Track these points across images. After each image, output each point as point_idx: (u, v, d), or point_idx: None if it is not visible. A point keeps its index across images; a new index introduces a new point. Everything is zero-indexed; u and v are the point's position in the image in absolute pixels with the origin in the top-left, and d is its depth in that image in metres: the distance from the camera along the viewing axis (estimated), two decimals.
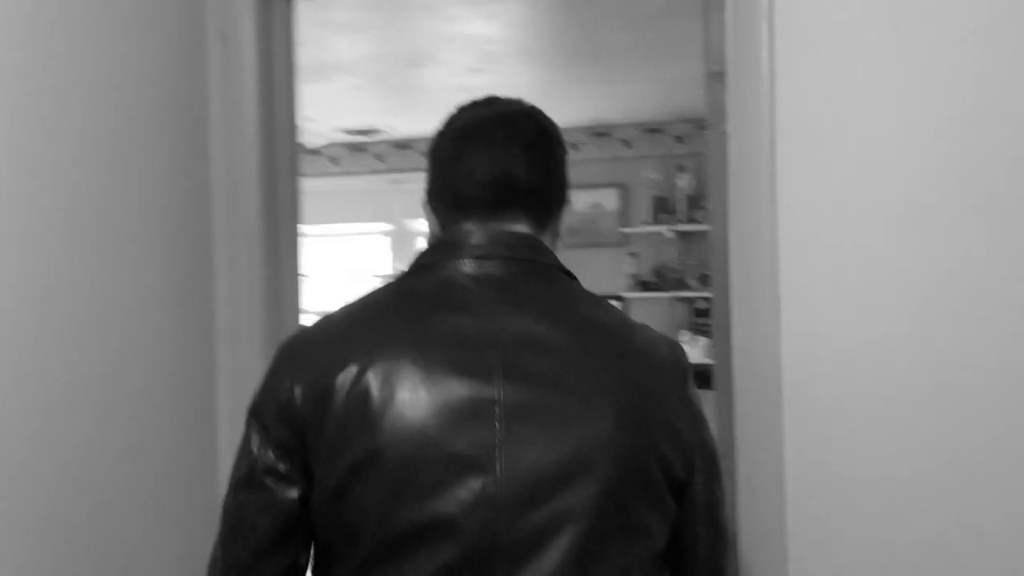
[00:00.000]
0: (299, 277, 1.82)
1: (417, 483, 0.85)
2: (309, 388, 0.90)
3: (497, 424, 0.86)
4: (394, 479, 0.86)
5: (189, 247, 1.56)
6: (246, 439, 0.94)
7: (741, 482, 1.45)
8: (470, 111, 1.07)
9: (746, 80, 1.43)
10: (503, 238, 0.98)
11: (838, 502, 1.35)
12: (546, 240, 1.03)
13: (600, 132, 5.22)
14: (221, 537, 0.95)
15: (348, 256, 5.95)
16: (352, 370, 0.89)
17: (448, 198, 1.02)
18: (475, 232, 0.98)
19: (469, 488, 0.85)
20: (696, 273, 4.97)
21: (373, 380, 0.88)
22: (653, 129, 5.19)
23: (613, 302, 4.76)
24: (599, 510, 0.86)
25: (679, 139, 5.15)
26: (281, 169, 1.75)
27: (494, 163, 1.00)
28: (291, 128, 1.80)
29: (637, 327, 1.00)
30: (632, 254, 5.11)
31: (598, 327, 0.96)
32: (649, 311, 5.09)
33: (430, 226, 1.07)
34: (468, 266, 0.96)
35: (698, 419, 0.97)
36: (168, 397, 1.48)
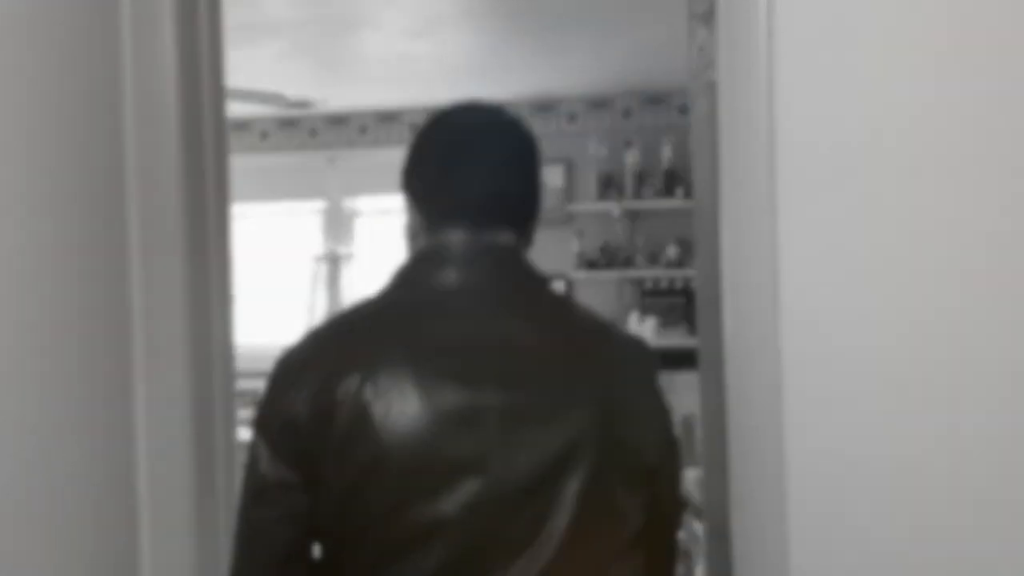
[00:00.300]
0: (229, 262, 1.60)
1: (419, 488, 0.91)
2: (312, 402, 0.94)
3: (491, 428, 0.92)
4: (397, 485, 0.91)
5: (96, 231, 1.31)
6: (254, 454, 0.98)
7: (735, 472, 1.28)
8: (461, 116, 1.10)
9: (740, 18, 1.25)
10: (488, 248, 1.03)
11: (845, 496, 1.19)
12: (525, 246, 1.09)
13: (544, 106, 5.03)
14: (239, 552, 0.99)
15: (278, 236, 5.65)
16: (352, 383, 0.93)
17: (439, 205, 1.06)
18: (462, 242, 1.02)
19: (467, 490, 0.91)
20: (645, 251, 4.84)
21: (372, 391, 0.92)
22: (599, 103, 5.03)
23: (559, 282, 4.58)
24: (585, 501, 0.94)
25: (626, 114, 5.00)
26: (207, 143, 1.51)
27: (490, 179, 1.05)
28: (218, 97, 1.56)
29: (609, 327, 1.08)
30: (578, 232, 4.95)
31: (576, 329, 1.04)
32: (596, 291, 4.94)
33: (410, 222, 1.10)
34: (455, 276, 1.00)
35: (665, 411, 1.06)
36: (77, 403, 1.24)
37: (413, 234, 1.09)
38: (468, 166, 1.04)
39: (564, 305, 1.06)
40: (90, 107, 1.32)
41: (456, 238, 1.02)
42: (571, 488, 0.93)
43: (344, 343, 0.98)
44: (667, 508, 1.07)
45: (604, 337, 1.05)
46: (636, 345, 1.08)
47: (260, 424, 0.99)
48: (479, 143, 1.06)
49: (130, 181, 1.38)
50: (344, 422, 0.92)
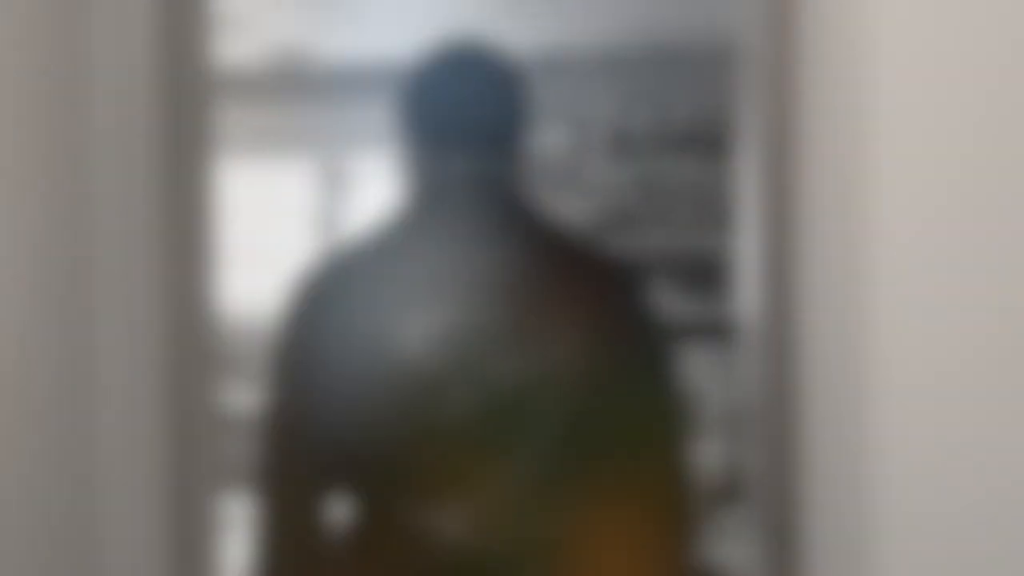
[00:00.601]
0: (210, 221, 1.47)
1: (417, 400, 1.00)
2: (314, 334, 1.05)
3: (480, 344, 1.00)
4: (395, 399, 1.00)
5: (54, 183, 1.16)
6: (272, 383, 1.09)
7: (810, 465, 1.15)
8: (450, 49, 1.14)
9: None
10: (479, 176, 1.08)
11: (936, 494, 1.03)
12: (516, 170, 1.12)
13: (554, 63, 4.84)
14: (268, 470, 1.07)
15: (274, 194, 5.49)
16: (350, 312, 1.03)
17: (428, 133, 1.11)
18: (452, 171, 1.08)
19: (464, 402, 1.00)
20: (659, 216, 4.69)
21: (369, 319, 1.02)
22: (612, 59, 4.84)
23: None
24: (572, 410, 1.01)
25: (640, 71, 4.82)
26: (185, 97, 1.37)
27: (477, 104, 1.09)
28: (200, 42, 1.41)
29: (597, 252, 1.11)
30: (588, 195, 4.79)
31: (562, 253, 1.08)
32: None
33: (401, 151, 1.15)
34: (443, 207, 1.07)
35: (655, 334, 1.08)
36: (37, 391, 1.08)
37: (405, 163, 1.15)
38: (456, 93, 1.10)
39: (550, 229, 1.10)
40: (51, 48, 1.16)
41: (446, 167, 1.09)
42: (560, 397, 1.00)
43: (342, 279, 1.08)
44: (653, 428, 1.07)
45: (592, 260, 1.09)
46: (624, 271, 1.11)
47: (274, 357, 1.10)
48: (468, 73, 1.11)
49: (93, 137, 1.25)
50: (345, 348, 1.02)
